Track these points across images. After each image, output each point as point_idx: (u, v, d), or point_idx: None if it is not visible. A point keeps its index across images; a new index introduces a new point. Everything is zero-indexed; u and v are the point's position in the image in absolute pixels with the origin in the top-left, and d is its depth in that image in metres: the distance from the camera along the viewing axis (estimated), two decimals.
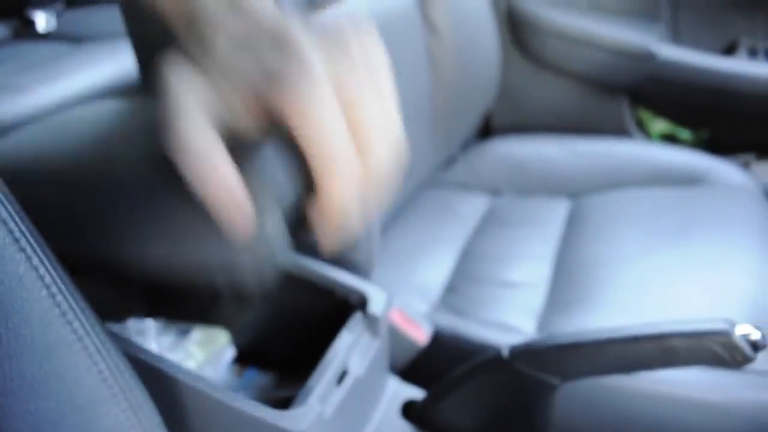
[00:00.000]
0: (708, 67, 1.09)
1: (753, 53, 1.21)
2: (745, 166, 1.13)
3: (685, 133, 1.17)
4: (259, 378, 0.48)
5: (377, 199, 0.29)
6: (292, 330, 0.49)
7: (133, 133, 0.36)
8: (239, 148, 0.27)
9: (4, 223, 0.24)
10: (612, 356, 0.47)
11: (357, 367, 0.44)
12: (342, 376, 0.42)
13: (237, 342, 0.49)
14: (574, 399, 0.52)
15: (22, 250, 0.24)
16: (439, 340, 0.67)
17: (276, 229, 0.30)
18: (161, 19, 0.29)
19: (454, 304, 0.75)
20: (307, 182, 0.27)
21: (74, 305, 0.26)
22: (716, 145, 1.12)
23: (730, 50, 1.25)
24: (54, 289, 0.25)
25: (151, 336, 0.38)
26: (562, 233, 0.86)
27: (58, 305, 0.25)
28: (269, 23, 0.27)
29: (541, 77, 1.19)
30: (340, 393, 0.41)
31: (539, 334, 0.67)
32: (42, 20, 1.09)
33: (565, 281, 0.75)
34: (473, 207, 0.96)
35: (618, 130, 1.17)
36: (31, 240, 0.25)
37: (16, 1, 1.09)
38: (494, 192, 1.00)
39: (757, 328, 0.44)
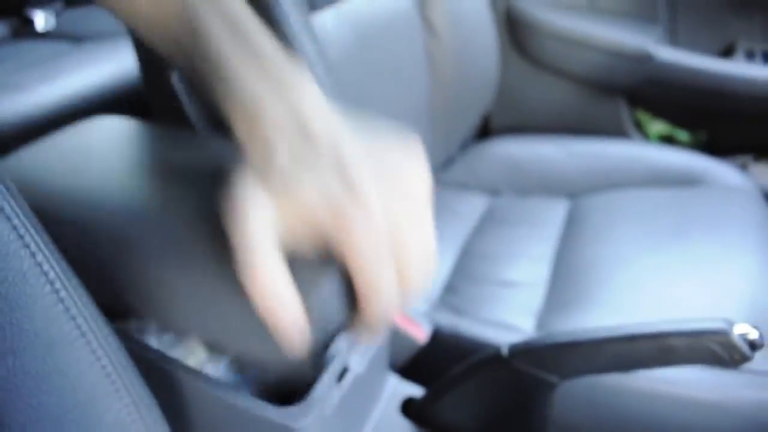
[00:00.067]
0: (706, 69, 1.09)
1: (750, 55, 1.21)
2: (743, 167, 1.14)
3: (683, 135, 1.17)
4: (259, 375, 0.48)
5: (409, 303, 0.31)
6: None
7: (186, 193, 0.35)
8: (296, 264, 0.29)
9: (9, 219, 0.24)
10: (610, 355, 0.47)
11: (357, 364, 0.44)
12: (342, 374, 0.42)
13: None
14: (573, 397, 0.52)
15: (27, 246, 0.24)
16: (438, 338, 0.67)
17: (321, 337, 0.31)
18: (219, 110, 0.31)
19: (453, 303, 0.75)
20: (350, 296, 0.30)
21: (78, 301, 0.26)
22: (714, 146, 1.13)
23: (727, 52, 1.25)
24: (58, 284, 0.25)
25: (153, 332, 0.38)
26: (560, 233, 0.86)
27: (62, 301, 0.25)
28: (333, 150, 0.28)
29: (540, 78, 1.19)
30: (340, 390, 0.41)
31: (538, 332, 0.68)
32: (41, 19, 1.09)
33: (564, 280, 0.75)
34: (472, 207, 0.96)
35: (616, 131, 1.17)
36: (36, 236, 0.25)
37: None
38: (493, 192, 1.00)
39: (755, 327, 0.44)
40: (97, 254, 0.34)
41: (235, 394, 0.35)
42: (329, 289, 0.30)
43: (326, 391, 0.38)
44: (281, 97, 0.29)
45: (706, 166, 0.95)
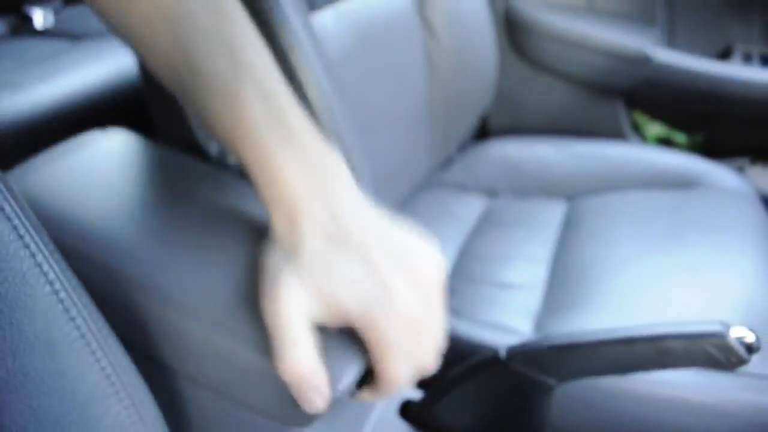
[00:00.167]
0: (703, 71, 1.10)
1: (748, 58, 1.22)
2: (740, 170, 1.14)
3: (680, 137, 1.17)
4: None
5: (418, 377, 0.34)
6: None
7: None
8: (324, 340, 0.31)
9: (9, 219, 0.24)
10: (608, 357, 0.47)
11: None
12: None
13: None
14: (571, 399, 0.52)
15: (26, 246, 0.24)
16: None
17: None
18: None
19: (451, 304, 0.75)
20: (366, 367, 0.32)
21: (77, 302, 0.26)
22: (711, 148, 1.13)
23: (725, 55, 1.26)
24: (57, 285, 0.25)
25: None
26: (558, 235, 0.86)
27: (62, 302, 0.25)
28: (365, 247, 0.31)
29: (538, 79, 1.19)
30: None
31: (536, 334, 0.68)
32: (40, 17, 1.08)
33: (562, 282, 0.75)
34: (470, 208, 0.96)
35: (614, 133, 1.17)
36: (36, 237, 0.25)
37: None
38: (491, 193, 1.00)
39: (752, 330, 0.44)
40: (113, 294, 0.34)
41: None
42: (354, 372, 0.32)
43: None
44: (317, 189, 0.31)
45: (703, 169, 0.95)
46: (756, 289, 0.68)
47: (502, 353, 0.51)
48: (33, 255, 0.25)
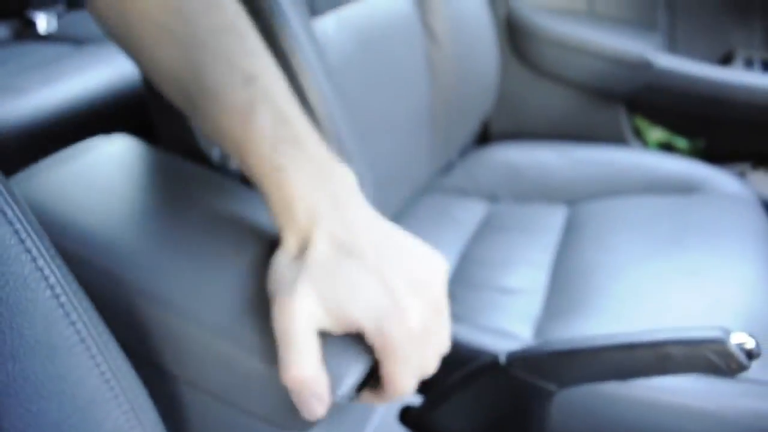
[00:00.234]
0: (704, 76, 1.10)
1: (749, 64, 1.22)
2: (741, 175, 1.14)
3: (681, 142, 1.17)
4: None
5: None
6: None
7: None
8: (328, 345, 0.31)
9: (10, 223, 0.24)
10: (608, 363, 0.47)
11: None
12: None
13: None
14: (571, 405, 0.52)
15: (28, 251, 0.24)
16: None
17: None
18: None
19: (451, 309, 0.75)
20: (372, 370, 0.32)
21: (78, 306, 0.26)
22: (712, 154, 1.13)
23: (726, 60, 1.26)
24: (58, 290, 0.25)
25: None
26: (559, 240, 0.86)
27: (62, 306, 0.25)
28: (378, 263, 0.31)
29: (540, 84, 1.20)
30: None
31: (536, 340, 0.68)
32: (43, 21, 1.09)
33: (562, 288, 0.75)
34: (471, 213, 0.96)
35: (615, 138, 1.17)
36: (37, 241, 0.25)
37: (17, 2, 1.09)
38: (492, 198, 1.00)
39: (752, 336, 0.44)
40: (113, 299, 0.34)
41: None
42: (355, 378, 0.32)
43: None
44: (326, 198, 0.32)
45: (704, 174, 0.95)
46: (757, 296, 0.68)
47: (503, 359, 0.51)
48: (34, 259, 0.25)
